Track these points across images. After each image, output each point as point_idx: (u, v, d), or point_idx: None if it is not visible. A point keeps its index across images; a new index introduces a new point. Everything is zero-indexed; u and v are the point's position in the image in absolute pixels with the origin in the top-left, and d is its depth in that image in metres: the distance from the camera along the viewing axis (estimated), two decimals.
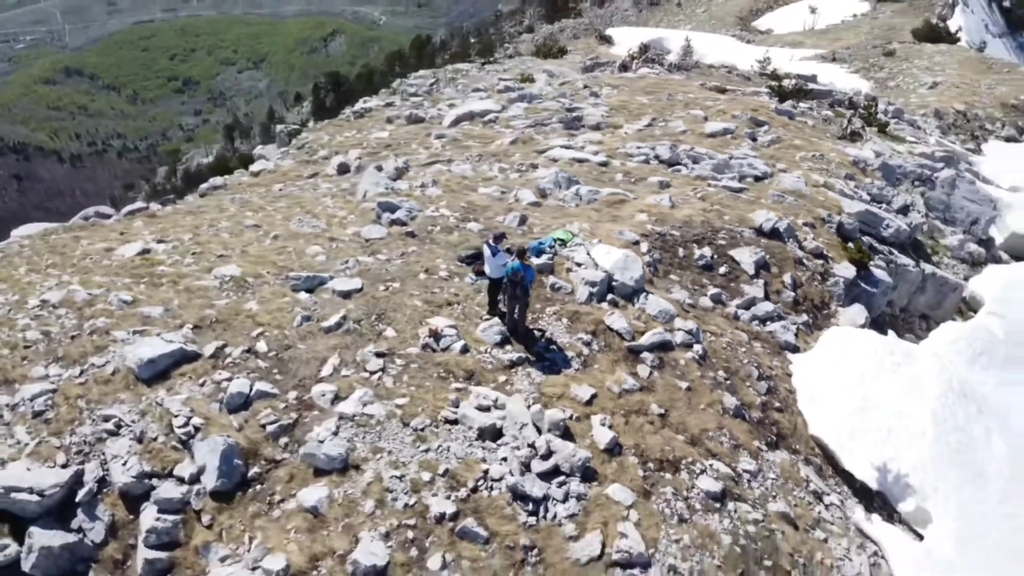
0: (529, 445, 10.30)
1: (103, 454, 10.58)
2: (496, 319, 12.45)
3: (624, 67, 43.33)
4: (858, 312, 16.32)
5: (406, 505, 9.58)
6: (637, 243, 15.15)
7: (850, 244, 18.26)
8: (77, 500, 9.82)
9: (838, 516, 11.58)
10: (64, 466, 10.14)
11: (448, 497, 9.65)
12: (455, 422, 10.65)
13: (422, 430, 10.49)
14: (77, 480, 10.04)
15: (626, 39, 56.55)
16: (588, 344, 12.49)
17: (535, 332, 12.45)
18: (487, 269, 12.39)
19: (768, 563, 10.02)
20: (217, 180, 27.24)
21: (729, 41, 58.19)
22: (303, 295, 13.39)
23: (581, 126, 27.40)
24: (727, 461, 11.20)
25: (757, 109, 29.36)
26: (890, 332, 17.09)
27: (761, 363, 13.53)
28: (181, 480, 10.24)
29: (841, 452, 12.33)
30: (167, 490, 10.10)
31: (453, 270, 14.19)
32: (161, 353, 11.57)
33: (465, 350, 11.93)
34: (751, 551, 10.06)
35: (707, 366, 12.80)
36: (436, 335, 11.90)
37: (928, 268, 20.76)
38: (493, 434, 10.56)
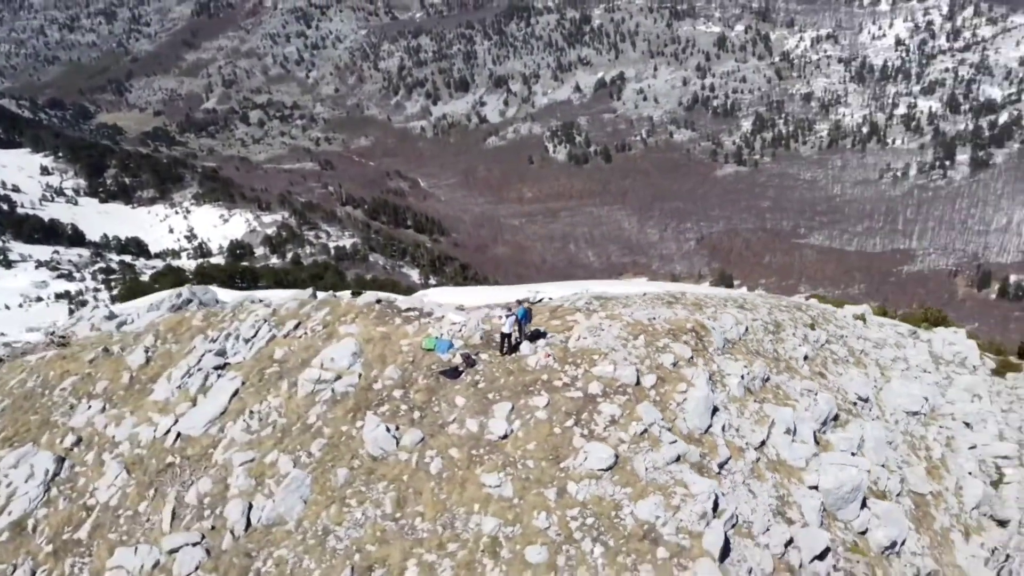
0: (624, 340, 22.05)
1: None
2: (524, 347, 21.63)
3: None
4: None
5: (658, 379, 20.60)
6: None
7: None
8: None
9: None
10: None
11: (650, 370, 21.01)
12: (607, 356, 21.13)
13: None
14: None
15: None
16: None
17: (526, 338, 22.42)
18: (508, 329, 21.23)
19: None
20: None
21: None
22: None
23: None
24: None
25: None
26: None
27: None
28: None
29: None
30: None
31: (455, 394, 21.10)
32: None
33: (546, 356, 21.20)
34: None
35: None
36: (551, 356, 20.80)
37: None
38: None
